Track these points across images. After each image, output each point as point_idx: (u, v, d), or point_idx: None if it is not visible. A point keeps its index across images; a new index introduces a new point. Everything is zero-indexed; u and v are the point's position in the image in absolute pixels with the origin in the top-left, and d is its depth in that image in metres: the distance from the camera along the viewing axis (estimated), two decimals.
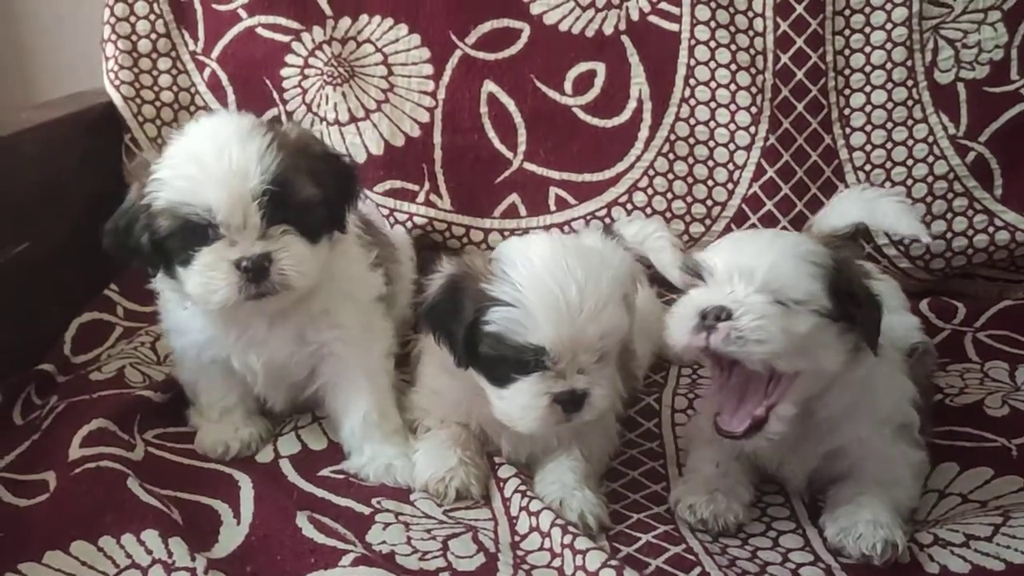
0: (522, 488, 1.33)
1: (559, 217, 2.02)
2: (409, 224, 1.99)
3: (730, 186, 2.02)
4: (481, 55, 2.03)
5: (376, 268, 1.55)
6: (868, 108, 2.00)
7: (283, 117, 2.03)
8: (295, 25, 2.02)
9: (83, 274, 1.90)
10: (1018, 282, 2.05)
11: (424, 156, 2.00)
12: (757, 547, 1.30)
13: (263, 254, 1.30)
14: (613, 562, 1.15)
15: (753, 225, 2.01)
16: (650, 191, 2.02)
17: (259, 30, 2.03)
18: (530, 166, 2.03)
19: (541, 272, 1.24)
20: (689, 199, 2.03)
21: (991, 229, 1.97)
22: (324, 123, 2.01)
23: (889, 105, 1.99)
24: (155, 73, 2.06)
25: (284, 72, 2.04)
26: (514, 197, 2.03)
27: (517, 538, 1.27)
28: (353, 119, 1.99)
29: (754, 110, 1.99)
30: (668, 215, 2.02)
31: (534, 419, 1.26)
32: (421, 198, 1.99)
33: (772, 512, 1.38)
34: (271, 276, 1.31)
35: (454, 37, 2.02)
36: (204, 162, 1.30)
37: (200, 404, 1.53)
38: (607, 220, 2.01)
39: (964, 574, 1.22)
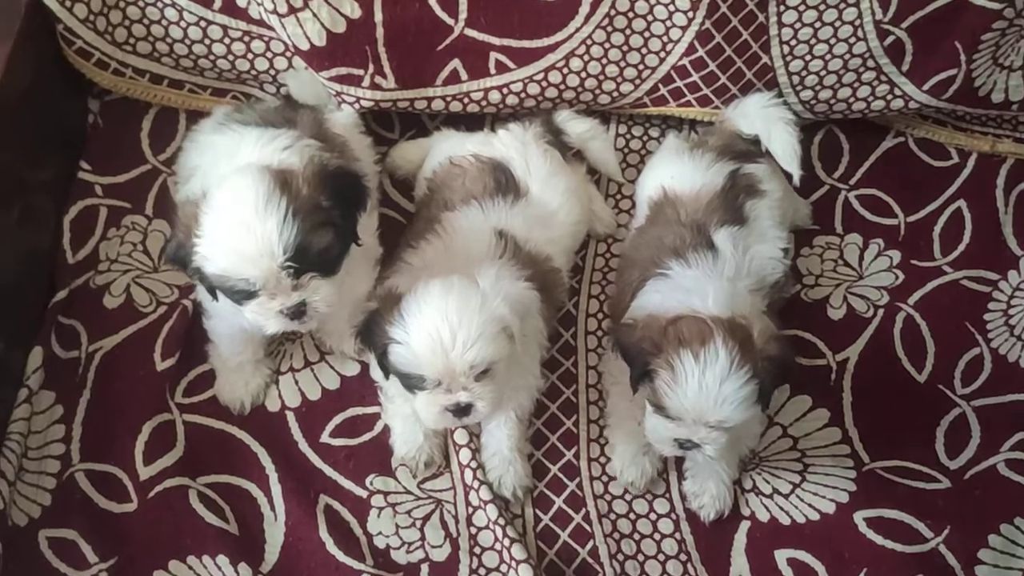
0: (472, 464, 1.85)
1: (498, 80, 2.12)
2: (356, 106, 2.08)
3: (662, 54, 2.12)
4: None
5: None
6: None
7: None
8: None
9: (47, 165, 2.05)
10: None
11: (366, 38, 2.00)
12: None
13: (298, 303, 1.64)
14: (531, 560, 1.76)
15: (677, 88, 2.17)
16: (586, 57, 2.11)
17: None
18: (471, 32, 2.05)
19: (425, 318, 1.62)
20: (622, 64, 2.13)
21: (889, 97, 2.18)
22: (262, 8, 1.96)
23: None
24: None
25: None
26: (456, 63, 2.09)
27: (470, 510, 1.83)
28: (292, 10, 1.93)
29: None
30: (601, 77, 2.14)
31: (433, 421, 1.72)
32: (367, 82, 2.05)
33: None
34: (308, 313, 1.67)
35: None
36: (236, 244, 1.57)
37: (220, 352, 1.91)
38: (549, 102, 2.14)
39: (764, 522, 1.87)
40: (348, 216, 1.69)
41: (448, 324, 1.61)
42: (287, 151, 1.75)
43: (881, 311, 2.11)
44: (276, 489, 1.82)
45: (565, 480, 1.89)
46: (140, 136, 2.17)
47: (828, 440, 1.95)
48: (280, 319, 1.66)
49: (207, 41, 2.06)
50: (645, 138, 2.30)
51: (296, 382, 1.95)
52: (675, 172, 2.03)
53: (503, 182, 1.98)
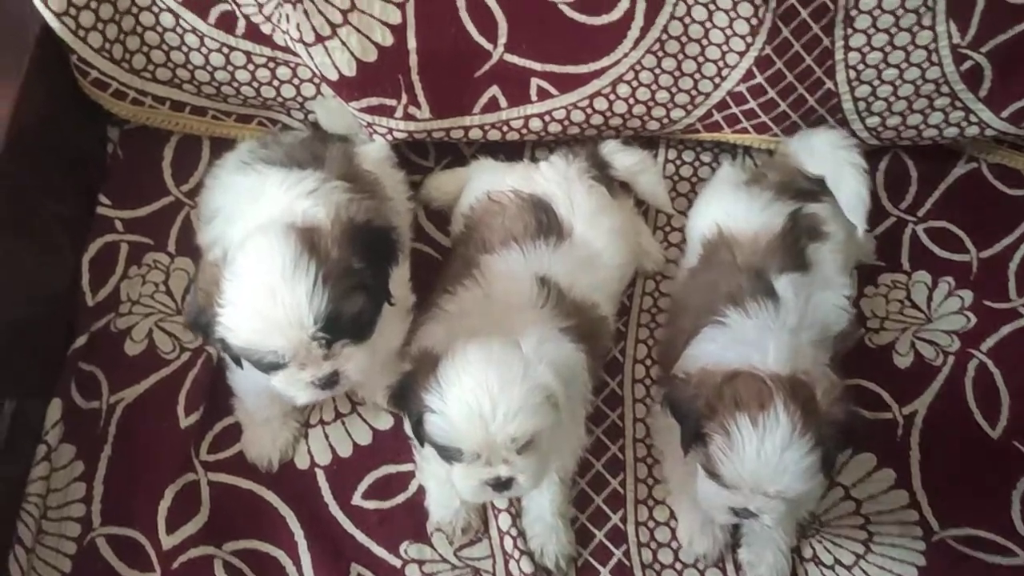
0: (512, 531, 1.74)
1: (540, 107, 1.98)
2: (389, 137, 1.95)
3: (717, 80, 1.96)
4: None
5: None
6: (876, 12, 1.86)
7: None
8: None
9: (65, 200, 1.94)
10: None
11: (399, 66, 1.86)
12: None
13: (331, 373, 1.54)
14: None
15: (733, 115, 2.01)
16: (635, 83, 1.95)
17: None
18: (511, 58, 1.91)
19: (464, 387, 1.50)
20: (673, 90, 1.98)
21: (964, 124, 2.01)
22: (288, 37, 1.83)
23: (900, 12, 1.85)
24: None
25: None
26: (494, 90, 1.95)
27: None
28: (319, 38, 1.80)
29: (754, 22, 1.84)
30: (650, 104, 1.99)
31: (471, 495, 1.60)
32: (399, 113, 1.91)
33: None
34: (340, 382, 1.56)
35: None
36: (262, 315, 1.46)
37: (247, 407, 1.81)
38: (594, 129, 2.00)
39: None
40: (380, 274, 1.58)
41: (489, 394, 1.48)
42: (313, 195, 1.64)
43: (951, 358, 1.96)
44: (305, 557, 1.72)
45: (611, 547, 1.78)
46: (162, 166, 2.05)
47: (894, 504, 1.81)
48: (311, 390, 1.55)
49: (230, 68, 1.93)
50: (697, 163, 2.15)
51: (326, 436, 1.84)
52: (731, 209, 1.88)
53: (545, 221, 1.84)
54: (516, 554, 1.73)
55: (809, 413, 1.52)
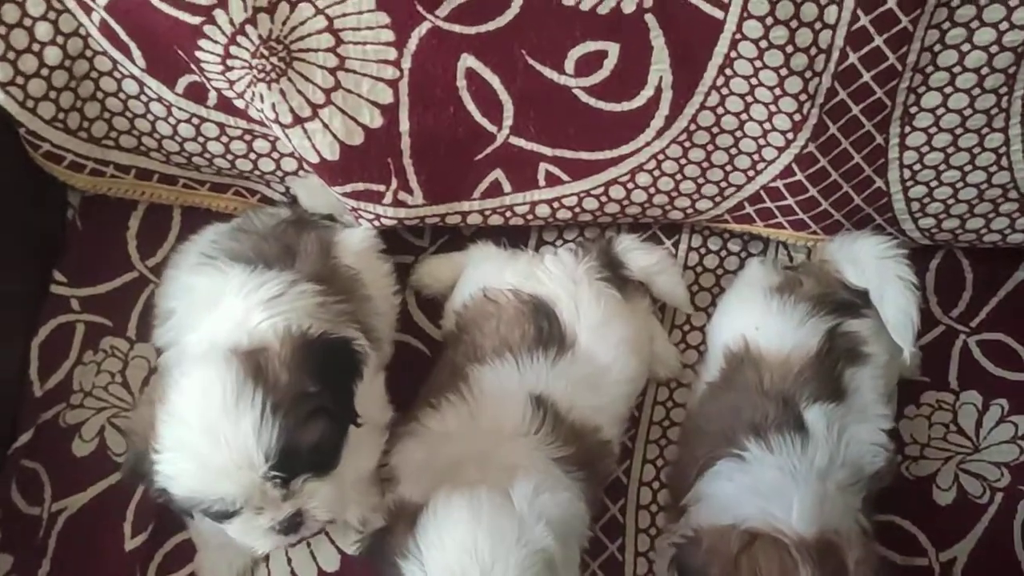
0: None
1: (548, 193, 1.76)
2: (377, 224, 1.73)
3: (751, 174, 1.73)
4: (456, 28, 1.54)
5: None
6: (940, 111, 1.61)
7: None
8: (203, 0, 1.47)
9: (15, 277, 1.75)
10: None
11: (389, 150, 1.64)
12: None
13: (292, 514, 1.34)
14: None
15: (767, 209, 1.77)
16: (656, 173, 1.72)
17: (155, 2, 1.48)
18: (517, 141, 1.68)
19: (448, 556, 1.29)
20: (700, 180, 1.74)
21: None
22: (264, 115, 1.61)
23: (968, 112, 1.60)
24: (28, 24, 1.56)
25: (202, 57, 1.55)
26: (497, 173, 1.72)
27: None
28: (297, 120, 1.58)
29: (797, 117, 1.59)
30: (674, 194, 1.76)
31: None
32: (388, 199, 1.69)
33: None
34: (306, 523, 1.36)
35: (420, 8, 1.51)
36: (204, 457, 1.27)
37: (201, 530, 1.61)
38: (608, 217, 1.79)
39: None
40: (342, 393, 1.38)
41: (479, 564, 1.27)
42: (275, 302, 1.45)
43: (1000, 495, 1.73)
44: None
45: None
46: (126, 237, 1.85)
47: None
48: (272, 536, 1.35)
49: (201, 139, 1.71)
50: (724, 253, 1.92)
51: (289, 561, 1.65)
52: (760, 322, 1.65)
53: (545, 330, 1.62)
54: None
55: None
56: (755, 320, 1.67)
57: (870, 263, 1.65)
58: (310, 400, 1.32)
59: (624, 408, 1.69)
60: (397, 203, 1.71)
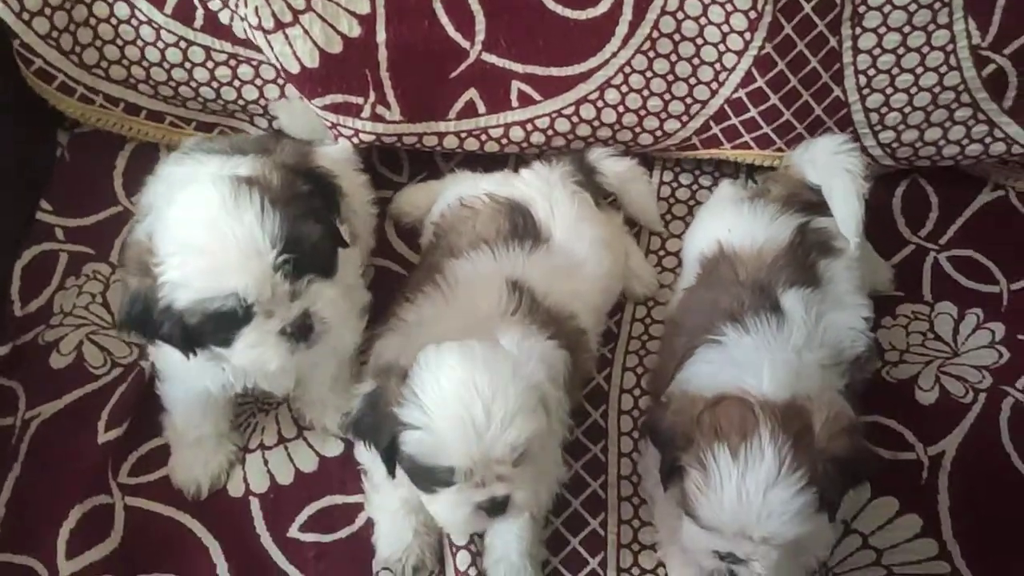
0: (471, 572, 1.49)
1: (521, 115, 1.82)
2: (355, 140, 1.79)
3: (714, 86, 1.80)
4: None
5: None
6: (887, 8, 1.70)
7: None
8: None
9: (5, 197, 1.79)
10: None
11: (367, 60, 1.72)
12: None
13: (302, 314, 1.32)
14: None
15: (732, 127, 1.84)
16: (624, 88, 1.80)
17: None
18: (489, 57, 1.76)
19: (448, 393, 1.27)
20: (667, 96, 1.82)
21: (988, 140, 1.83)
22: (246, 23, 1.70)
23: (912, 7, 1.70)
24: None
25: None
26: (471, 93, 1.80)
27: None
28: (279, 25, 1.66)
29: (752, 15, 1.69)
30: (642, 112, 1.83)
31: (460, 526, 1.36)
32: (366, 112, 1.76)
33: None
34: (315, 328, 1.34)
35: None
36: (211, 254, 1.26)
37: (176, 425, 1.59)
38: (582, 139, 1.84)
39: None
40: (328, 207, 1.40)
41: (480, 398, 1.25)
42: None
43: (983, 396, 1.71)
44: None
45: None
46: (113, 174, 1.90)
47: (922, 555, 1.55)
48: (283, 345, 1.32)
49: (187, 65, 1.79)
50: (695, 187, 1.97)
51: (266, 463, 1.62)
52: (732, 224, 1.68)
53: (520, 225, 1.65)
54: None
55: (802, 446, 1.28)
56: (727, 224, 1.70)
57: (822, 159, 1.69)
58: (304, 200, 1.33)
59: (600, 300, 1.70)
60: (375, 117, 1.77)
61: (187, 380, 1.50)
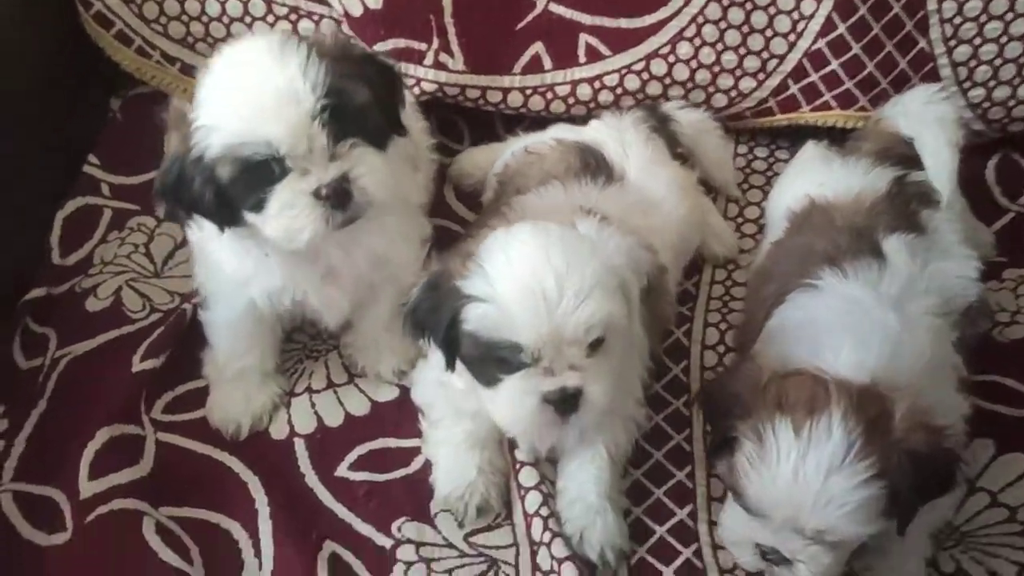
0: (543, 512, 1.30)
1: (589, 71, 1.75)
2: (417, 89, 1.72)
3: (792, 37, 1.73)
4: None
5: None
6: None
7: None
8: None
9: (52, 150, 1.72)
10: None
11: (431, 4, 1.68)
12: None
13: (340, 176, 1.21)
14: None
15: (812, 85, 1.75)
16: (697, 41, 1.73)
17: None
18: (557, 8, 1.71)
19: (516, 263, 1.16)
20: (742, 50, 1.74)
21: None
22: None
23: None
24: None
25: None
26: (538, 47, 1.74)
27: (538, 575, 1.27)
28: None
29: None
30: (716, 68, 1.75)
31: (525, 422, 1.20)
32: (429, 59, 1.70)
33: None
34: (354, 197, 1.22)
35: None
36: (249, 94, 1.18)
37: (218, 358, 1.46)
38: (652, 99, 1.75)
39: None
40: (389, 97, 1.30)
41: (553, 269, 1.14)
42: None
43: None
44: (265, 528, 1.31)
45: (677, 545, 1.32)
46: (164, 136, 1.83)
47: None
48: (318, 210, 1.21)
49: (248, 19, 1.75)
50: (772, 159, 1.87)
51: (313, 405, 1.47)
52: (823, 180, 1.55)
53: (592, 164, 1.55)
54: (547, 537, 1.28)
55: (877, 433, 1.12)
56: (819, 180, 1.58)
57: (915, 108, 1.58)
58: (355, 61, 1.26)
59: (678, 240, 1.56)
60: (438, 65, 1.71)
61: (232, 296, 1.38)
